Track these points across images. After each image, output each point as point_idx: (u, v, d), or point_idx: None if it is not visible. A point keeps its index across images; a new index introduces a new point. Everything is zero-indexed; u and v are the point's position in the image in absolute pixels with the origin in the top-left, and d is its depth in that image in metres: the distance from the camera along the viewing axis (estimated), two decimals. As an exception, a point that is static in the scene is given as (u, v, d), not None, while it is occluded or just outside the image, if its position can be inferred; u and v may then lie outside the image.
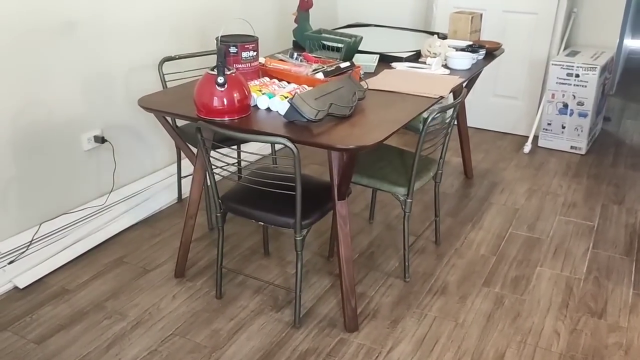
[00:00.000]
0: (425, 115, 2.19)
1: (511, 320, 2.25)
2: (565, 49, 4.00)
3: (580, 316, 2.28)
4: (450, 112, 2.37)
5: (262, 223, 2.12)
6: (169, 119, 2.36)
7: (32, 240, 2.53)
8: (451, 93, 2.49)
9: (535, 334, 2.18)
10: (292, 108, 1.91)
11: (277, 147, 3.44)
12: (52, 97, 2.57)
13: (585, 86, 3.68)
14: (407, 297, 2.37)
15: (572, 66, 3.67)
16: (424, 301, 2.35)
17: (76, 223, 2.71)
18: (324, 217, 2.16)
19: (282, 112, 2.05)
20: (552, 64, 3.72)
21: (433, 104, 2.24)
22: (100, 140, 2.80)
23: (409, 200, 2.35)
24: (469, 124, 4.34)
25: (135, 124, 3.01)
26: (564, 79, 3.72)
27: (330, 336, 2.14)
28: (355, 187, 3.26)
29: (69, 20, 2.56)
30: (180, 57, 2.76)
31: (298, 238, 2.06)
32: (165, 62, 2.84)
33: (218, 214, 2.19)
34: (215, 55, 3.23)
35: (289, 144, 1.84)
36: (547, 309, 2.32)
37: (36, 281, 2.42)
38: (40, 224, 2.61)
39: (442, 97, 2.31)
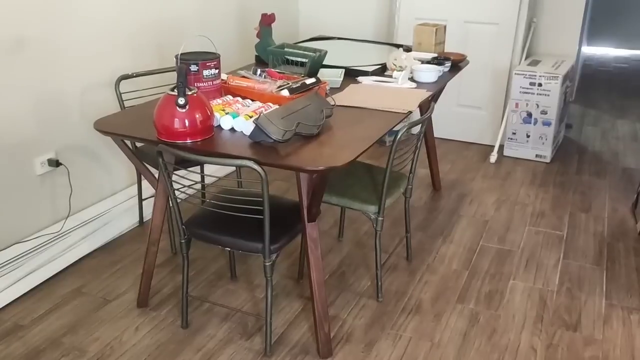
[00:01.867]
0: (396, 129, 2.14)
1: (487, 337, 2.21)
2: (526, 58, 4.03)
3: (556, 330, 2.25)
4: (418, 126, 2.32)
5: (229, 249, 2.03)
6: (128, 141, 2.24)
7: (-19, 273, 2.37)
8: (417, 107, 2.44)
9: (512, 351, 2.14)
10: (258, 128, 1.83)
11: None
12: (0, 120, 2.41)
13: (548, 95, 3.70)
14: (381, 318, 2.31)
15: (535, 75, 3.69)
16: (399, 321, 2.29)
17: (30, 252, 2.55)
18: (293, 239, 2.08)
19: (247, 133, 1.97)
20: (515, 74, 3.74)
21: (402, 120, 2.19)
22: (55, 163, 2.65)
23: (380, 219, 2.29)
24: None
25: (92, 145, 2.88)
26: (527, 88, 3.74)
27: (303, 364, 2.06)
28: (322, 204, 3.18)
29: (17, 37, 2.42)
30: (137, 75, 2.65)
31: (267, 263, 1.97)
32: (122, 81, 2.72)
33: (182, 241, 2.08)
34: (175, 73, 3.13)
35: (256, 166, 1.75)
36: (522, 324, 2.28)
37: (-13, 318, 2.26)
38: (-9, 255, 2.45)
39: (410, 112, 2.26)
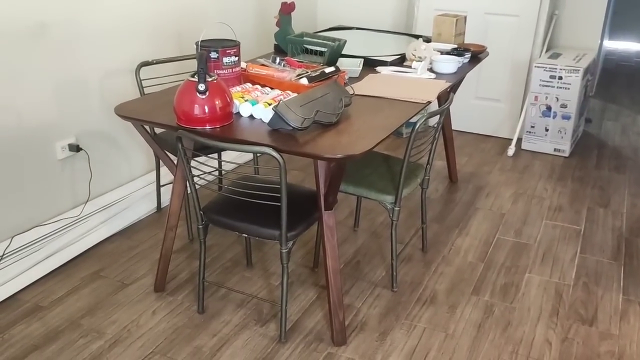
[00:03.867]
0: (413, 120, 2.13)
1: (502, 329, 2.20)
2: (547, 51, 3.99)
3: (571, 324, 2.24)
4: (437, 117, 2.31)
5: (246, 235, 2.04)
6: (147, 127, 2.26)
7: (3, 254, 2.41)
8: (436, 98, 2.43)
9: (527, 343, 2.13)
10: (277, 116, 1.84)
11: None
12: (23, 104, 2.45)
13: (569, 88, 3.66)
14: (396, 308, 2.31)
15: (555, 68, 3.65)
16: (413, 311, 2.29)
17: (50, 235, 2.59)
18: (309, 227, 2.09)
19: (266, 120, 1.98)
20: (535, 67, 3.70)
21: (421, 110, 2.19)
22: (75, 148, 2.68)
23: (396, 209, 2.29)
24: (451, 127, 4.30)
25: (112, 131, 2.91)
26: (547, 82, 3.71)
27: (317, 351, 2.07)
28: (339, 193, 3.19)
29: (40, 23, 2.45)
30: (157, 62, 2.66)
31: (284, 251, 1.98)
32: (143, 67, 2.74)
33: (200, 227, 2.10)
34: (195, 60, 3.14)
35: (275, 153, 1.76)
36: (537, 317, 2.28)
37: (8, 298, 2.30)
38: (12, 238, 2.49)
39: (429, 102, 2.25)
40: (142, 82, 2.74)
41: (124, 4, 2.83)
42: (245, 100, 2.05)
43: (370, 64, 2.73)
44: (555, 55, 3.85)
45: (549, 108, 3.77)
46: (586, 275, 2.55)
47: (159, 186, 2.96)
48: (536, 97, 3.78)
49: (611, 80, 5.79)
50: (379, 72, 2.63)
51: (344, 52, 2.75)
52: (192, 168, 2.01)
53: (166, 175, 3.11)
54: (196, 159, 2.90)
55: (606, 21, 4.59)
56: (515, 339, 2.15)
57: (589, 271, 2.58)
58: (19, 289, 2.34)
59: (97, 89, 2.78)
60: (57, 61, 2.56)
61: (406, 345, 2.11)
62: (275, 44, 2.99)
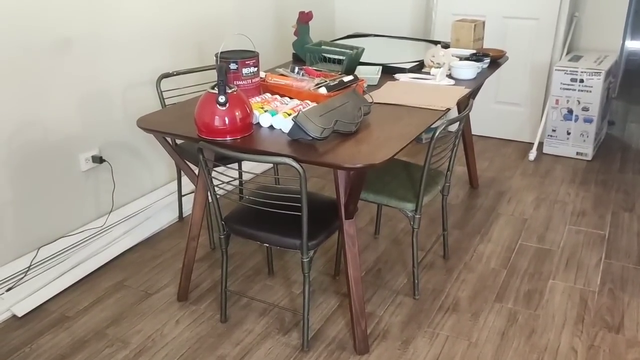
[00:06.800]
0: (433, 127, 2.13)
1: (526, 337, 2.18)
2: (567, 53, 3.95)
3: (597, 331, 2.21)
4: (457, 124, 2.30)
5: (267, 245, 2.06)
6: (169, 138, 2.29)
7: (30, 265, 2.46)
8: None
9: (552, 351, 2.11)
10: (296, 126, 1.85)
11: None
12: (48, 117, 2.50)
13: (590, 91, 3.62)
14: (418, 316, 2.30)
15: (576, 71, 3.61)
16: (435, 319, 2.28)
17: (75, 246, 2.64)
18: (331, 236, 2.09)
19: (286, 130, 1.99)
20: (556, 70, 3.67)
21: (440, 117, 2.18)
22: (99, 160, 2.73)
23: (417, 216, 2.28)
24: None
25: (134, 142, 2.95)
26: (568, 85, 3.67)
27: (340, 360, 2.07)
28: (359, 201, 3.19)
29: (64, 38, 2.50)
30: (178, 74, 2.70)
31: (305, 260, 1.99)
32: (163, 79, 2.77)
33: (221, 236, 2.12)
34: (215, 71, 3.18)
35: (295, 164, 1.77)
36: (562, 325, 2.25)
37: (35, 308, 2.34)
38: (39, 249, 2.54)
39: (448, 109, 2.24)
40: (163, 93, 2.78)
41: (144, 17, 2.87)
42: (265, 111, 2.07)
43: (389, 71, 2.73)
44: (576, 58, 3.81)
45: (570, 111, 3.73)
46: (612, 281, 2.52)
47: (180, 196, 3.00)
48: (557, 101, 3.74)
49: (634, 82, 5.70)
50: (398, 80, 2.63)
51: (362, 59, 2.76)
52: (212, 178, 2.03)
53: (187, 184, 3.14)
54: (216, 169, 2.92)
55: (628, 21, 4.53)
56: (540, 347, 2.13)
57: (614, 277, 2.55)
58: (46, 300, 2.38)
59: (120, 101, 2.83)
60: (80, 75, 2.61)
61: (429, 354, 2.10)
62: (293, 53, 3.00)
